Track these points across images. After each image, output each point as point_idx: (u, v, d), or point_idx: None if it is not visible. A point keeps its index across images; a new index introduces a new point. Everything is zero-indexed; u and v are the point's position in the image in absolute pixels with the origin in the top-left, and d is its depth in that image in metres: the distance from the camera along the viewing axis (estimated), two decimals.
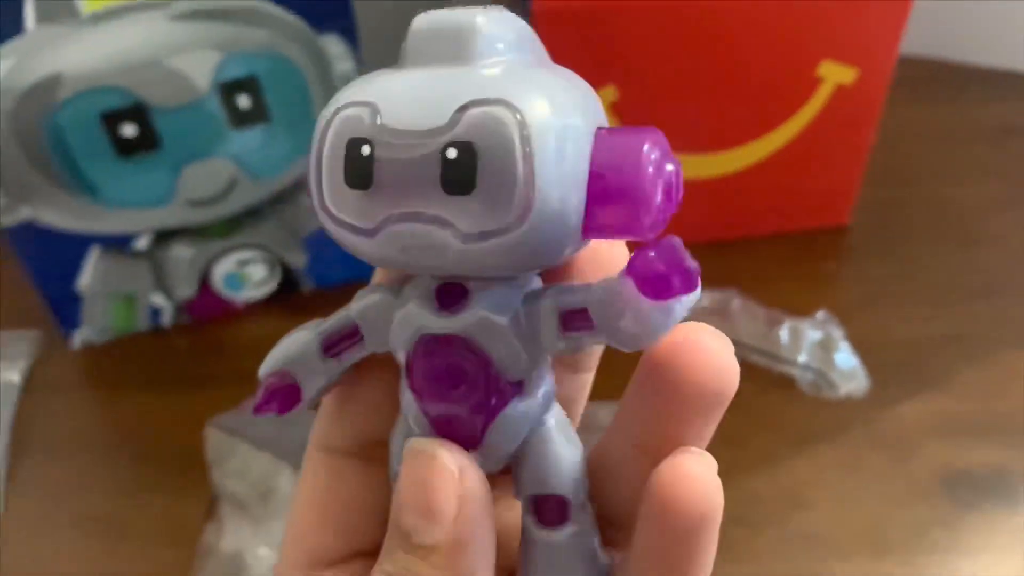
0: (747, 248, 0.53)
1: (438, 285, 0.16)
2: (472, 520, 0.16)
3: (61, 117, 0.41)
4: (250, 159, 0.45)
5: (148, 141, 0.43)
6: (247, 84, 0.43)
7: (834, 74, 0.47)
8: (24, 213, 0.43)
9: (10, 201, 0.43)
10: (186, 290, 0.49)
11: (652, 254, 0.14)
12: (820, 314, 0.48)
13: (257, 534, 0.39)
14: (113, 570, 0.40)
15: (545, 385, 0.17)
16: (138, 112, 0.42)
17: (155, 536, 0.41)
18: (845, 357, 0.46)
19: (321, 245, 0.50)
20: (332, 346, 0.18)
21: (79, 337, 0.49)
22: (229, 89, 0.43)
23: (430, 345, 0.16)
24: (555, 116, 0.14)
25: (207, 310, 0.51)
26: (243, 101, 0.43)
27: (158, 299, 0.49)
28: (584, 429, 0.18)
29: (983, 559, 0.39)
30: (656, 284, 0.14)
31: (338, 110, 0.15)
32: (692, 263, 0.14)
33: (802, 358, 0.46)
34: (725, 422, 0.51)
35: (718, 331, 0.16)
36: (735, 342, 0.53)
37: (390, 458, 0.18)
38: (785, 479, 0.42)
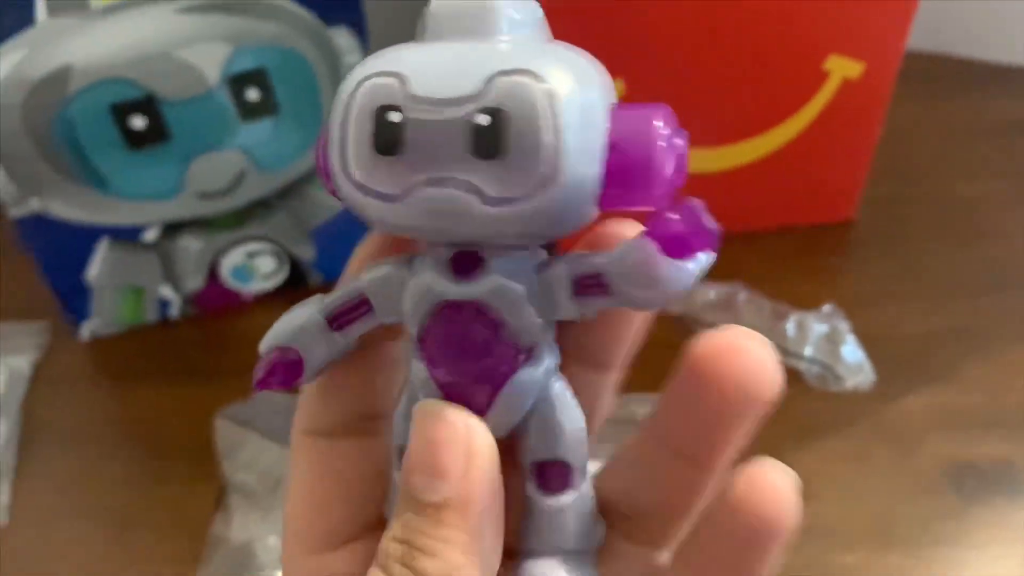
0: (753, 242, 0.53)
1: (454, 253, 0.16)
2: (481, 478, 0.16)
3: (71, 109, 0.41)
4: (259, 151, 0.45)
5: (157, 133, 0.43)
6: (256, 77, 0.43)
7: (841, 68, 0.47)
8: (33, 205, 0.43)
9: (20, 193, 0.43)
10: (194, 282, 0.49)
11: (674, 216, 0.15)
12: (826, 308, 0.48)
13: (266, 524, 0.40)
14: (122, 560, 0.41)
15: (551, 354, 0.17)
16: (148, 104, 0.42)
17: (164, 527, 0.41)
18: (851, 350, 0.46)
19: (329, 238, 0.50)
20: (338, 319, 0.18)
21: (88, 329, 0.50)
22: (238, 82, 0.43)
23: (447, 312, 0.16)
24: (578, 87, 0.15)
25: (215, 302, 0.51)
26: (252, 94, 0.43)
27: (166, 291, 0.49)
28: (616, 421, 0.18)
29: (988, 551, 0.39)
30: (676, 243, 0.15)
31: (364, 80, 0.16)
32: (712, 223, 0.15)
33: (808, 351, 0.46)
34: None
35: (762, 336, 0.16)
36: None
37: (394, 433, 0.18)
38: (791, 470, 0.42)
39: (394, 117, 0.15)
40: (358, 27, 0.44)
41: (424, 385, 0.17)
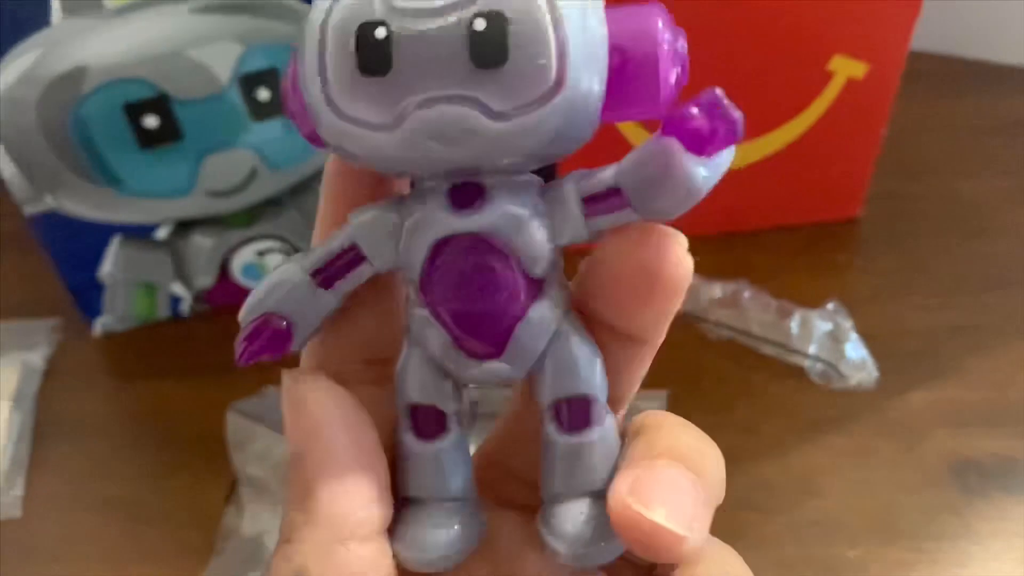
0: (759, 240, 0.53)
1: (451, 186, 0.15)
2: (307, 432, 0.16)
3: (85, 108, 0.41)
4: (270, 150, 0.46)
5: (170, 132, 0.43)
6: (267, 77, 0.43)
7: (845, 68, 0.47)
8: (47, 202, 0.44)
9: (34, 190, 0.43)
10: (205, 279, 0.50)
11: (694, 109, 0.14)
12: (830, 305, 0.48)
13: (277, 517, 0.40)
14: (135, 552, 0.41)
15: (562, 287, 0.16)
16: (160, 103, 0.42)
17: (177, 519, 0.42)
18: (854, 348, 0.46)
19: None
20: (324, 273, 0.17)
21: (100, 325, 0.50)
22: (249, 81, 0.43)
23: (451, 248, 0.15)
24: None
25: (226, 299, 0.51)
26: (263, 93, 0.44)
27: (178, 288, 0.50)
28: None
29: (992, 546, 0.39)
30: (700, 137, 0.14)
31: (333, 4, 0.14)
32: (736, 112, 0.14)
33: (812, 349, 0.46)
34: (737, 410, 0.51)
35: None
36: (746, 333, 0.53)
37: (398, 390, 0.17)
38: (796, 466, 0.42)
39: (379, 33, 0.14)
40: None
41: (429, 333, 0.16)
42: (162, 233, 0.47)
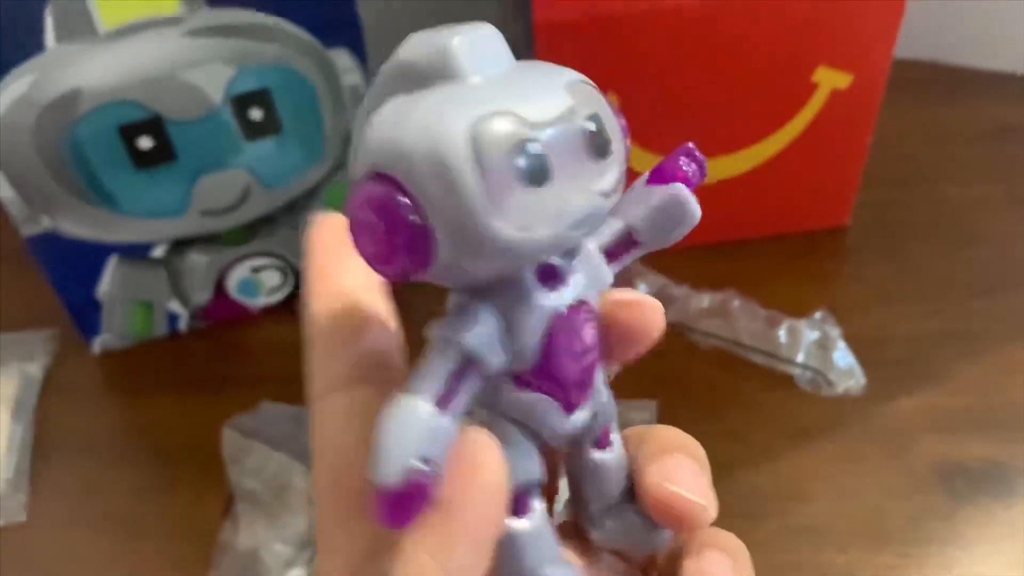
0: (747, 249, 0.54)
1: (538, 267, 0.17)
2: (475, 490, 0.16)
3: (80, 131, 0.42)
4: (263, 169, 0.46)
5: (164, 153, 0.44)
6: (259, 97, 0.44)
7: (829, 79, 0.48)
8: (45, 223, 0.45)
9: (31, 211, 0.44)
10: (202, 296, 0.50)
11: (682, 159, 0.18)
12: (818, 314, 0.49)
13: (272, 530, 0.41)
14: (133, 567, 0.42)
15: None
16: (154, 125, 0.43)
17: (174, 534, 0.43)
18: (842, 356, 0.47)
19: None
20: (447, 399, 0.16)
21: (99, 343, 0.51)
22: (242, 102, 0.44)
23: (563, 322, 0.17)
24: None
25: (222, 316, 0.52)
26: (255, 113, 0.45)
27: (175, 305, 0.51)
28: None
29: (978, 550, 0.40)
30: (690, 179, 0.18)
31: (476, 124, 0.15)
32: (701, 155, 0.19)
33: (800, 357, 0.47)
34: (726, 418, 0.52)
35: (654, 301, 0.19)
36: (735, 342, 0.53)
37: None
38: (785, 473, 0.43)
39: (534, 148, 0.15)
40: (357, 48, 0.45)
41: (536, 408, 0.17)
42: (158, 252, 0.48)
